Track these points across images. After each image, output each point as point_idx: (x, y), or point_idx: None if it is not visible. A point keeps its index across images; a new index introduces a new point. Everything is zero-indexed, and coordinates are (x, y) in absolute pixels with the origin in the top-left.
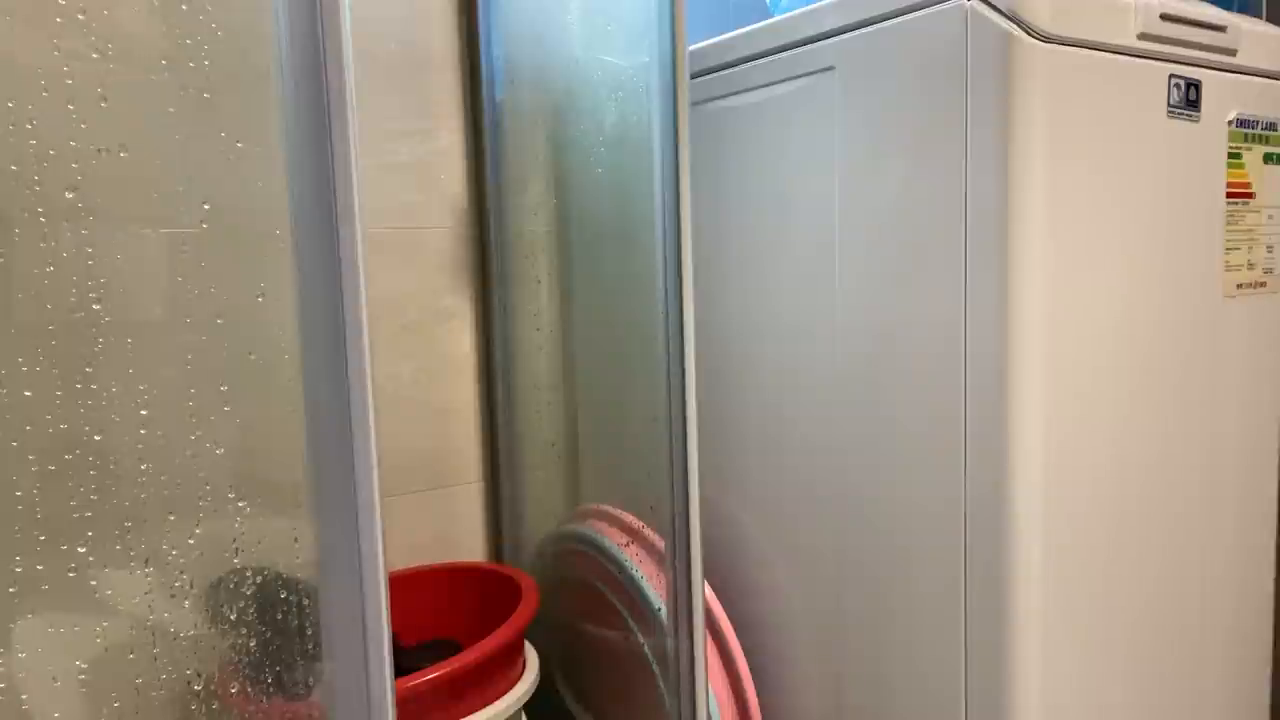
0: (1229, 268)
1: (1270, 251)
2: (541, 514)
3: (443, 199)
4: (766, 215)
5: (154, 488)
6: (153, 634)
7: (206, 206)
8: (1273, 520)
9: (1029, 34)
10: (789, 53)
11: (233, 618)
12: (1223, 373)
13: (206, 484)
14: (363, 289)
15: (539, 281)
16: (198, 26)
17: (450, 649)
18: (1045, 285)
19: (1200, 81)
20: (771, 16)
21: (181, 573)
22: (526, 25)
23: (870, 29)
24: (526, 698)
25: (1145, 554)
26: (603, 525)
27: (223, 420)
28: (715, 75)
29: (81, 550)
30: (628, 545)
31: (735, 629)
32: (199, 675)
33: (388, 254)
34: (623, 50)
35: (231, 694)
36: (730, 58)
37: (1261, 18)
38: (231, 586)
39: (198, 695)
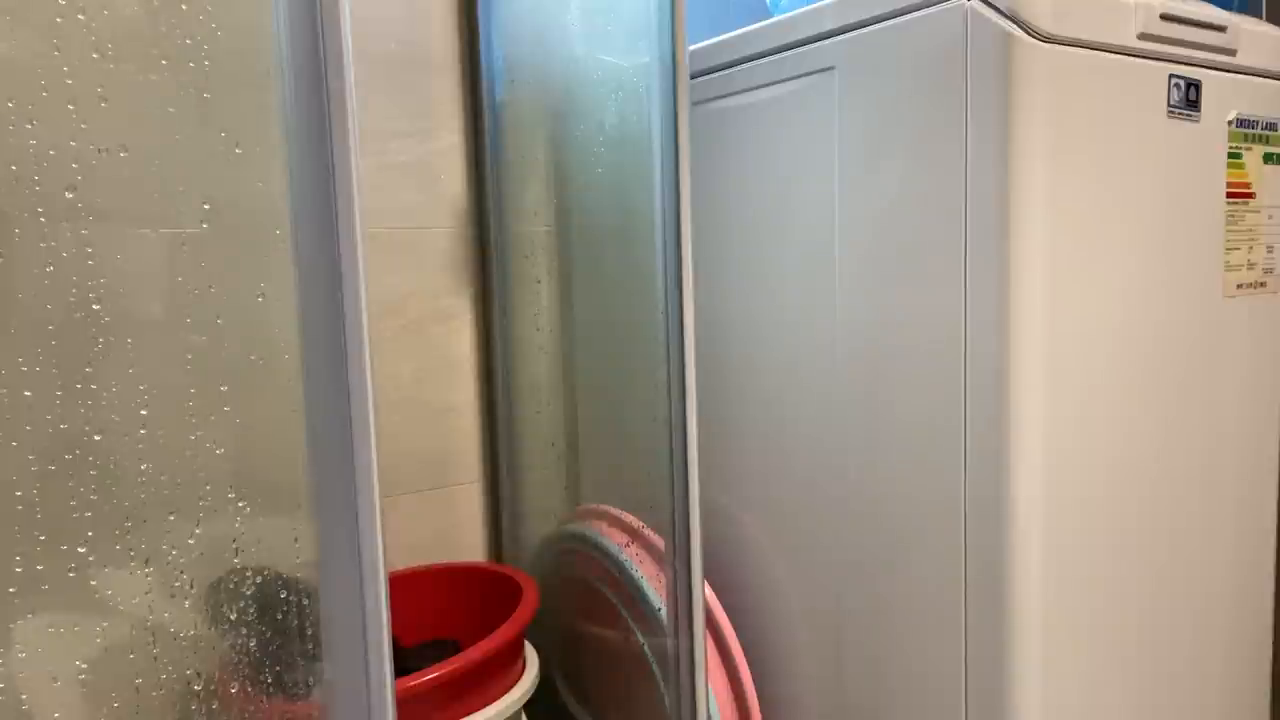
0: (1229, 268)
1: (1270, 251)
2: (541, 514)
3: (443, 199)
4: (766, 215)
5: (154, 488)
6: (153, 634)
7: (206, 206)
8: (1273, 519)
9: (1029, 34)
10: (789, 53)
11: (233, 618)
12: (1223, 373)
13: (206, 484)
14: (363, 289)
15: (539, 281)
16: (198, 26)
17: (450, 649)
18: (1045, 285)
19: (1200, 81)
20: (771, 16)
21: (181, 573)
22: (526, 25)
23: (870, 29)
24: (526, 698)
25: (1145, 554)
26: (603, 525)
27: (223, 420)
28: (715, 75)
29: (81, 550)
30: (628, 545)
31: (735, 629)
32: (199, 675)
33: (388, 254)
34: (623, 50)
35: (231, 694)
36: (730, 58)
37: (1261, 18)
38: (231, 586)
39: (198, 695)
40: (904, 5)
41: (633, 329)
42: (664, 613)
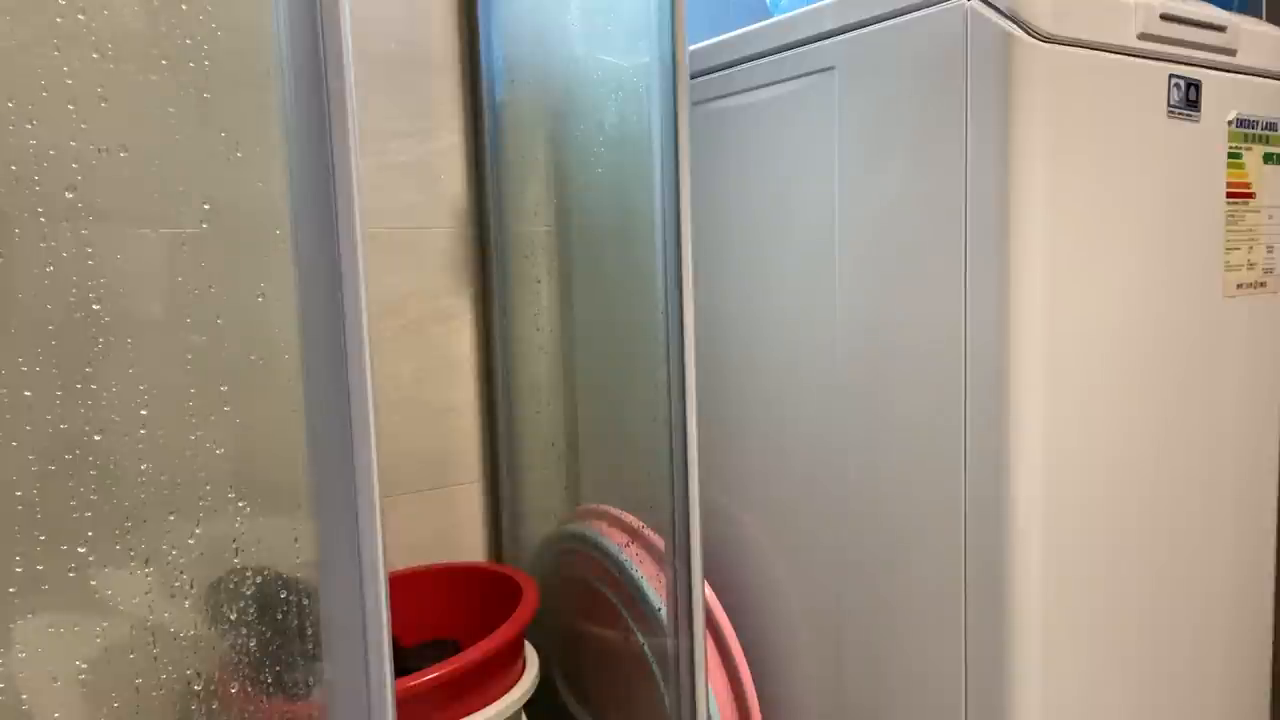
0: (1229, 268)
1: (1270, 251)
2: (541, 514)
3: (443, 199)
4: (766, 215)
5: (154, 488)
6: (153, 634)
7: (206, 206)
8: (1273, 519)
9: (1029, 34)
10: (789, 53)
11: (233, 618)
12: (1223, 373)
13: (206, 484)
14: (363, 289)
15: (539, 281)
16: (198, 26)
17: (450, 649)
18: (1045, 285)
19: (1200, 81)
20: (771, 16)
21: (181, 573)
22: (526, 25)
23: (870, 29)
24: (526, 698)
25: (1145, 553)
26: (603, 525)
27: (223, 420)
28: (715, 75)
29: (81, 550)
30: (628, 545)
31: (735, 629)
32: (199, 675)
33: (388, 254)
34: (623, 50)
35: (231, 694)
36: (730, 58)
37: (1261, 18)
38: (231, 586)
39: (198, 695)
40: (904, 5)
41: (633, 329)
42: (664, 613)
